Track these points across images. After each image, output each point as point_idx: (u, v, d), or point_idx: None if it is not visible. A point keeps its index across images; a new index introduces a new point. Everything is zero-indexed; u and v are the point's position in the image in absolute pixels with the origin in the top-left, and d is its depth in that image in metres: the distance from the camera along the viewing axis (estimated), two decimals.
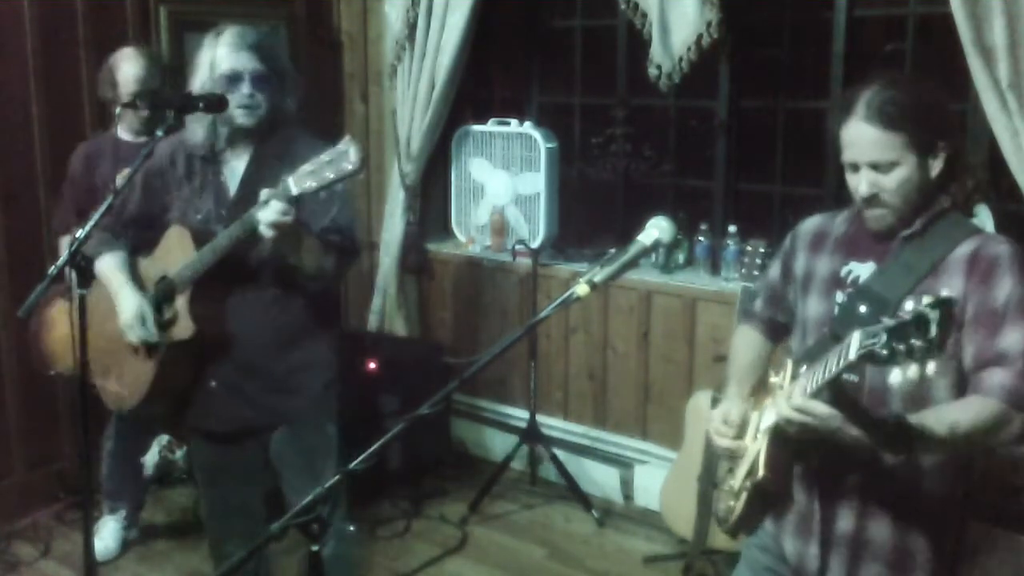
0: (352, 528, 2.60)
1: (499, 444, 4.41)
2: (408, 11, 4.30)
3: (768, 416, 1.91)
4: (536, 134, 4.31)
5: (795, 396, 1.77)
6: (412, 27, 4.31)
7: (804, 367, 1.89)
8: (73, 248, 2.34)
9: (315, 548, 1.67)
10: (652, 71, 3.70)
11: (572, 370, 4.27)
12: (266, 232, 2.27)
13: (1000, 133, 3.01)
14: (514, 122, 4.39)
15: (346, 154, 2.17)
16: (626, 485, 4.10)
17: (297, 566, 2.74)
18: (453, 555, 3.72)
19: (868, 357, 1.58)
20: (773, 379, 2.00)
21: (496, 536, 3.87)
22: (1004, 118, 2.98)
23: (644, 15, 3.72)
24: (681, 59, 3.63)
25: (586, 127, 4.45)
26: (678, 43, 3.63)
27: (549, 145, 4.31)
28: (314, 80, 4.67)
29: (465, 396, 4.50)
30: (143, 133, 3.46)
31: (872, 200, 1.90)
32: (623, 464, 4.13)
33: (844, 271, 2.00)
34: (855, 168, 1.91)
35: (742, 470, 2.00)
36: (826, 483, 1.98)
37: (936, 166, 1.89)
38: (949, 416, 1.78)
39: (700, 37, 3.57)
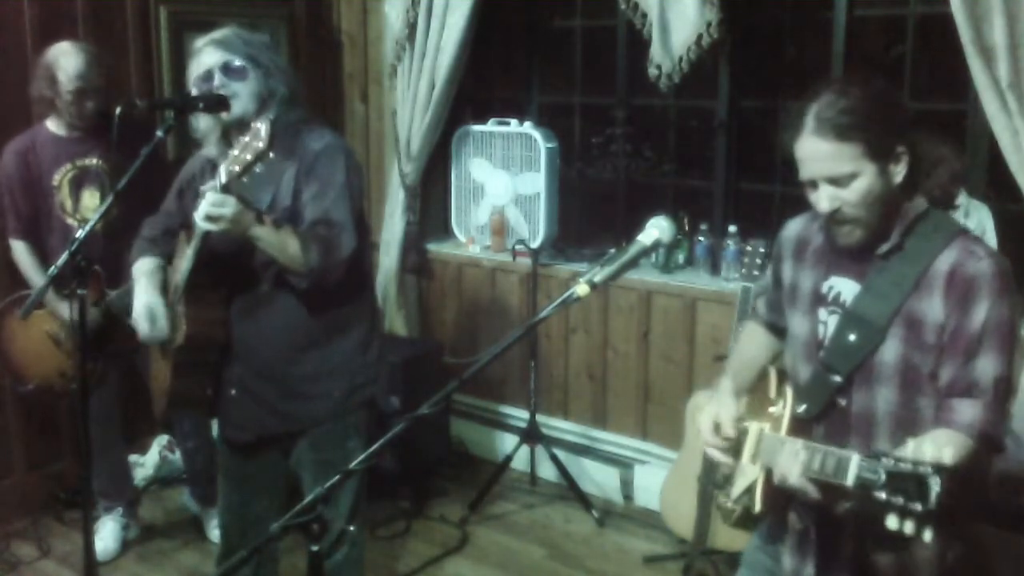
0: (352, 528, 2.59)
1: (499, 444, 4.41)
2: (408, 11, 4.30)
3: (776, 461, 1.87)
4: (536, 134, 4.31)
5: (792, 474, 1.77)
6: (412, 27, 4.31)
7: (803, 407, 1.91)
8: (73, 248, 2.34)
9: (315, 548, 1.67)
10: (652, 71, 3.70)
11: (572, 370, 4.27)
12: (204, 226, 2.23)
13: (1000, 133, 3.01)
14: (514, 122, 4.38)
15: (258, 133, 2.13)
16: (626, 485, 4.10)
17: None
18: (453, 555, 3.71)
19: (865, 487, 1.59)
20: (772, 408, 1.99)
21: (496, 536, 3.87)
22: (1004, 118, 2.98)
23: (644, 15, 3.72)
24: (681, 59, 3.63)
25: (586, 127, 4.45)
26: (678, 43, 3.63)
27: (549, 145, 4.31)
28: (314, 80, 4.67)
29: (465, 396, 4.50)
30: (78, 128, 3.40)
31: (836, 215, 1.83)
32: (623, 464, 4.13)
33: (825, 287, 1.96)
34: (814, 185, 1.84)
35: (738, 487, 2.00)
36: (823, 511, 1.93)
37: (899, 171, 1.81)
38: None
39: (700, 37, 3.57)
